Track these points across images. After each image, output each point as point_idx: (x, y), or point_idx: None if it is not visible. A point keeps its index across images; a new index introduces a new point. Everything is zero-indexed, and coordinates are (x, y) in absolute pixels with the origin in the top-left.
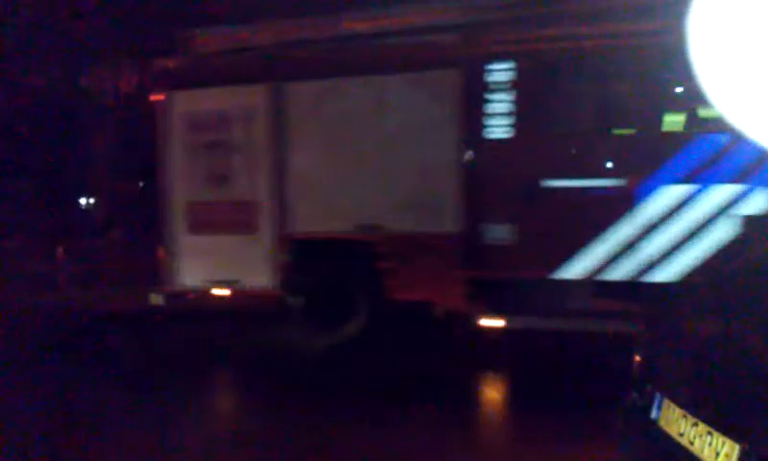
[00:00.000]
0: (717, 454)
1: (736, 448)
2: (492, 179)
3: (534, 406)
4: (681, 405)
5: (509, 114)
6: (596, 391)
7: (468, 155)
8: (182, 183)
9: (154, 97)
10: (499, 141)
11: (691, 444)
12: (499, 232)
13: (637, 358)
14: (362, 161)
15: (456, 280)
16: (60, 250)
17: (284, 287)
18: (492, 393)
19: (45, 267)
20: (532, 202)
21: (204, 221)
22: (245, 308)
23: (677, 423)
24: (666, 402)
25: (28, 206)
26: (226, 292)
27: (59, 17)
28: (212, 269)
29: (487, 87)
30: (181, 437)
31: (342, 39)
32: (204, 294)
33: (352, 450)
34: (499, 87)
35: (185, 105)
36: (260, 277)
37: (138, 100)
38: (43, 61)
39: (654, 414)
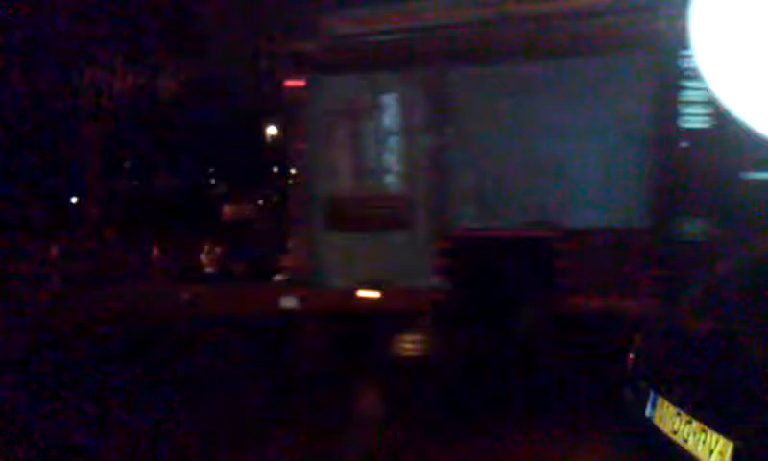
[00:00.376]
0: (711, 452)
1: (730, 445)
2: (690, 170)
3: (529, 402)
4: (675, 403)
5: (707, 102)
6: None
7: (664, 144)
8: (323, 177)
9: (291, 83)
10: (697, 131)
11: (685, 441)
12: (696, 227)
13: (632, 355)
14: (538, 151)
15: (645, 280)
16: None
17: (444, 289)
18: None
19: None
20: (732, 194)
21: (349, 218)
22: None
23: (671, 420)
24: (660, 400)
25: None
26: (373, 294)
27: None
28: (358, 269)
29: (684, 73)
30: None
31: (505, 20)
32: (348, 296)
33: None
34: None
35: (330, 91)
36: (414, 277)
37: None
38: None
39: (648, 411)
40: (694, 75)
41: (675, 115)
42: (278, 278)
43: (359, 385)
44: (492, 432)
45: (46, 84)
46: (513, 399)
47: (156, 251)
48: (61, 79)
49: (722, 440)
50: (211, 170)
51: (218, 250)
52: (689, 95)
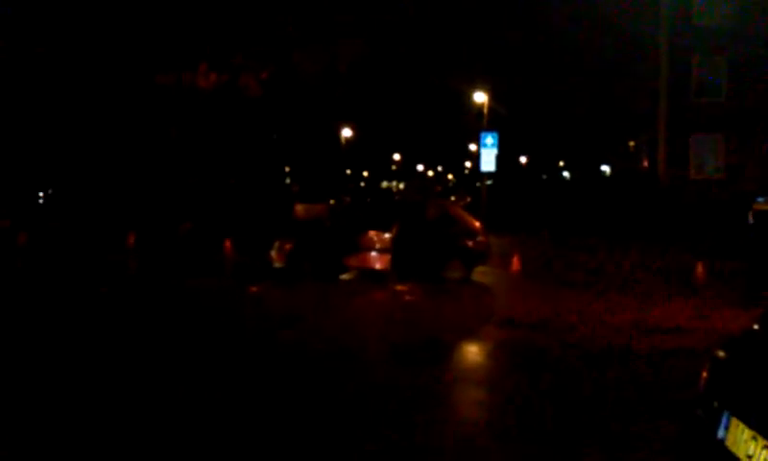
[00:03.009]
0: None
1: None
2: None
3: (592, 412)
4: (751, 426)
5: None
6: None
7: None
8: None
9: None
10: None
11: None
12: None
13: (705, 374)
14: None
15: None
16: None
17: None
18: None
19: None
20: None
21: None
22: None
23: (746, 444)
24: (735, 422)
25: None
26: None
27: None
28: None
29: None
30: None
31: None
32: None
33: None
34: None
35: None
36: None
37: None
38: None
39: (720, 434)
40: None
41: None
42: (345, 276)
43: None
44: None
45: (133, 86)
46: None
47: (227, 244)
48: (146, 80)
49: None
50: (286, 169)
51: (287, 247)
52: None
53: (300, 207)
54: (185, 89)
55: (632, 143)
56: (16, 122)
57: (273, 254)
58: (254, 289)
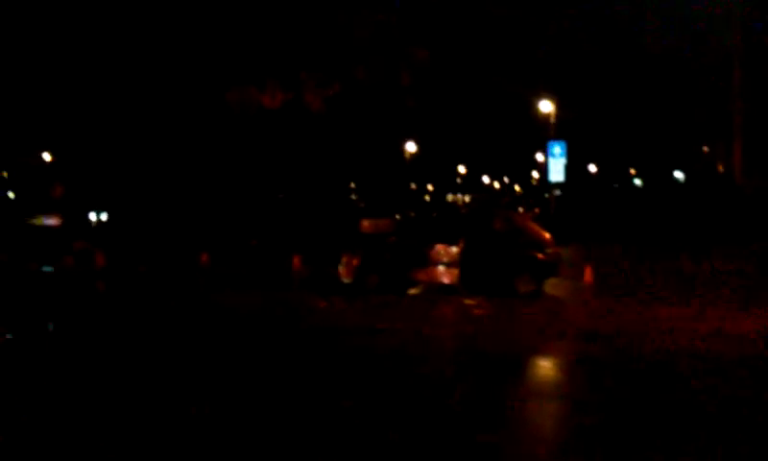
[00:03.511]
0: None
1: None
2: None
3: None
4: None
5: None
6: None
7: None
8: None
9: None
10: None
11: None
12: None
13: None
14: None
15: None
16: (204, 255)
17: None
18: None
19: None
20: None
21: None
22: None
23: None
24: None
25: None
26: None
27: None
28: None
29: None
30: None
31: None
32: None
33: None
34: None
35: None
36: None
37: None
38: None
39: None
40: None
41: None
42: (413, 290)
43: None
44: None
45: (199, 104)
46: None
47: (296, 260)
48: (213, 97)
49: None
50: (353, 185)
51: (354, 262)
52: None
53: (366, 222)
54: (253, 107)
55: (705, 148)
56: (87, 141)
57: (340, 268)
58: (324, 304)
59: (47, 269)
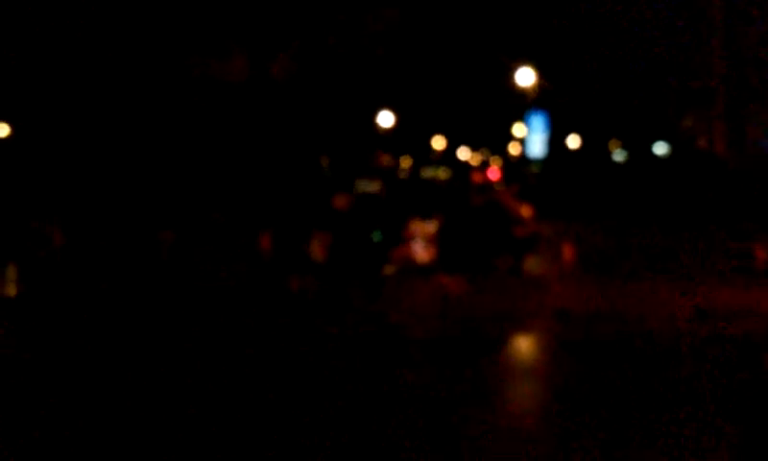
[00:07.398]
0: None
1: None
2: None
3: None
4: None
5: None
6: None
7: None
8: None
9: None
10: None
11: None
12: None
13: None
14: None
15: None
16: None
17: None
18: None
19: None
20: None
21: None
22: None
23: None
24: None
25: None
26: None
27: None
28: None
29: None
30: None
31: None
32: None
33: None
34: None
35: None
36: None
37: None
38: None
39: None
40: None
41: None
42: (389, 269)
43: None
44: None
45: (160, 74)
46: None
47: (264, 237)
48: (176, 69)
49: None
50: (325, 159)
51: (327, 240)
52: None
53: (339, 199)
54: (216, 77)
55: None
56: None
57: (312, 247)
58: (295, 284)
59: None
